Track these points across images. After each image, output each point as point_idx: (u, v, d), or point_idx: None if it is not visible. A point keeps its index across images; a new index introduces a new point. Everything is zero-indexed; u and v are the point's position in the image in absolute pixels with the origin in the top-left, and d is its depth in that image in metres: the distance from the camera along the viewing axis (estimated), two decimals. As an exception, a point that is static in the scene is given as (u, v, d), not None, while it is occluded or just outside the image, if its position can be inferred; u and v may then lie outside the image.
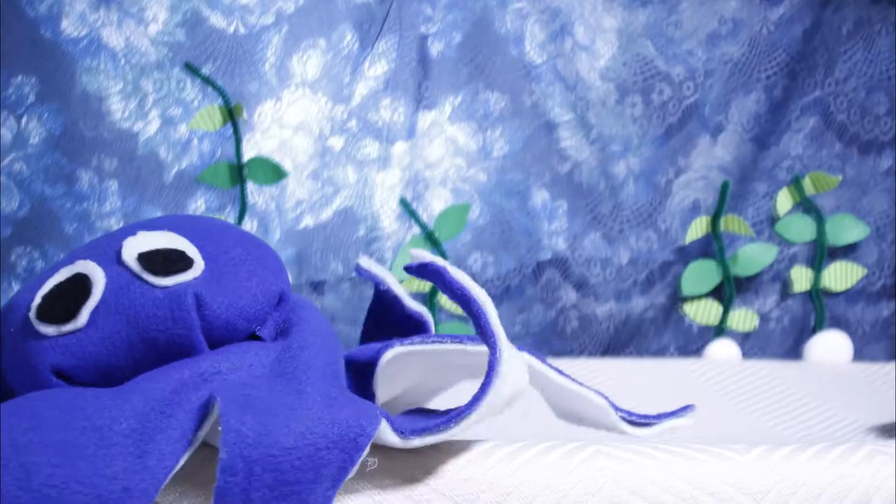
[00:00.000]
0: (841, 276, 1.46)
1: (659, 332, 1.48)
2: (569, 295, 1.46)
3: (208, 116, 1.39)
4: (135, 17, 1.39)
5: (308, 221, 1.42)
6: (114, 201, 1.41)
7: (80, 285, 0.90)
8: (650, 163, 1.45)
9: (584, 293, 1.46)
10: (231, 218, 1.41)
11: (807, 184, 1.43)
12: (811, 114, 1.47)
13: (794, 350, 1.48)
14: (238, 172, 1.40)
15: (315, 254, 1.42)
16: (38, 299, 0.90)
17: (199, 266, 0.89)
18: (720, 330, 1.45)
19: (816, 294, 1.46)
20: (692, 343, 1.48)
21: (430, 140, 1.44)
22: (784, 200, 1.44)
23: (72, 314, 0.89)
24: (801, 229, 1.45)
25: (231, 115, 1.38)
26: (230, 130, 1.41)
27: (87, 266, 0.90)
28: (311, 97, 1.42)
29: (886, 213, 1.49)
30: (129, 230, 0.94)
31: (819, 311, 1.46)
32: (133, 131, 1.40)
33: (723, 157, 1.46)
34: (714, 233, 1.43)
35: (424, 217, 1.43)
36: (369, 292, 1.41)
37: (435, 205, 1.43)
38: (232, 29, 1.40)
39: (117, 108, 1.40)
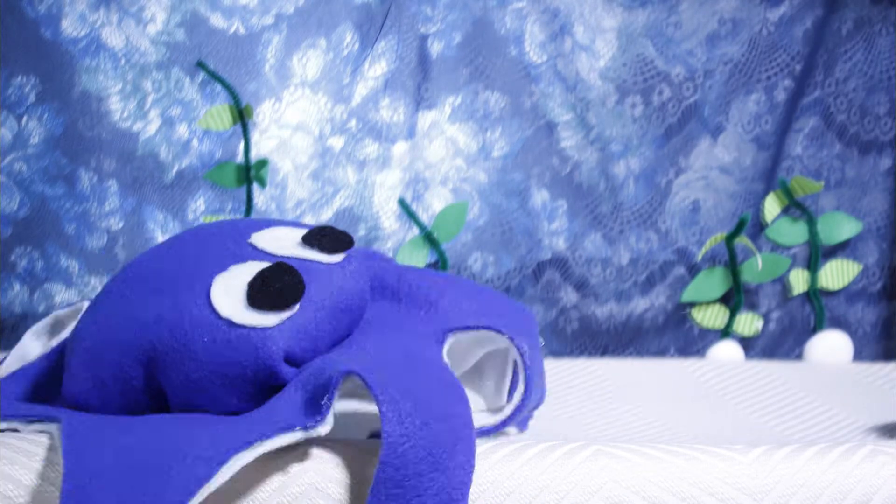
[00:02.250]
0: (837, 274, 1.46)
1: (659, 333, 1.48)
2: (569, 295, 1.46)
3: (218, 116, 1.38)
4: (135, 17, 1.39)
5: (308, 221, 1.42)
6: (113, 201, 1.41)
7: (285, 273, 0.94)
8: (650, 163, 1.45)
9: (585, 294, 1.46)
10: (237, 215, 1.41)
11: (793, 187, 1.43)
12: (811, 114, 1.47)
13: (794, 351, 1.48)
14: (245, 173, 1.39)
15: (315, 254, 1.42)
16: (244, 292, 0.93)
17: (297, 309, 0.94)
18: (725, 333, 1.45)
19: (815, 294, 1.46)
20: (693, 345, 1.48)
21: (430, 140, 1.44)
22: (771, 206, 1.44)
23: (287, 301, 0.93)
24: (792, 232, 1.45)
25: (241, 115, 1.38)
26: (228, 135, 1.41)
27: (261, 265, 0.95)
28: (311, 97, 1.42)
29: (887, 213, 1.49)
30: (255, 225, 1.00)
31: (818, 311, 1.46)
32: (133, 131, 1.40)
33: (723, 158, 1.46)
34: (728, 247, 1.43)
35: (424, 218, 1.43)
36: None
37: (435, 204, 1.43)
38: (232, 29, 1.40)
39: (117, 108, 1.40)
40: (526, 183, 1.44)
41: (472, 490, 0.84)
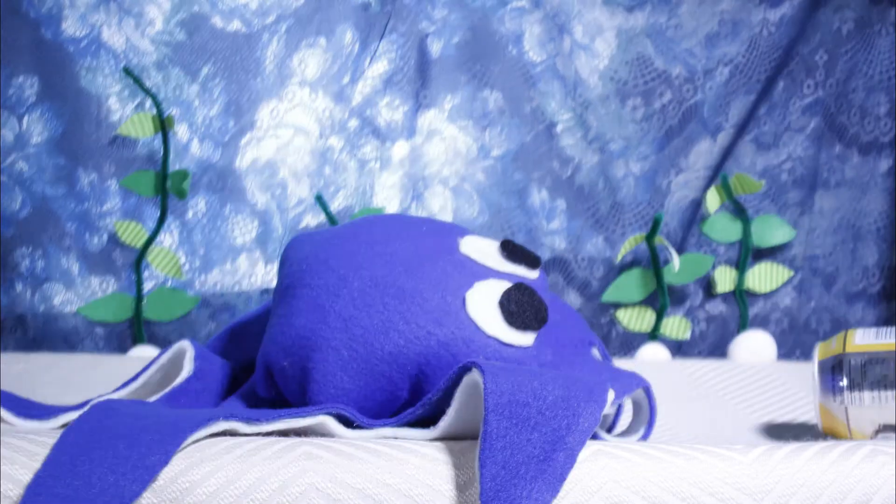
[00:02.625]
0: (766, 277, 1.46)
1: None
2: (569, 296, 1.46)
3: (140, 123, 1.38)
4: (135, 18, 1.39)
5: (309, 221, 1.42)
6: (114, 201, 1.41)
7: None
8: (650, 163, 1.45)
9: (588, 296, 1.46)
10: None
11: (734, 184, 1.43)
12: (811, 114, 1.47)
13: (719, 349, 1.48)
14: (162, 182, 1.39)
15: (315, 254, 1.42)
16: (497, 311, 0.97)
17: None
18: (653, 336, 1.45)
19: (740, 295, 1.46)
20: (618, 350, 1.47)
21: (429, 139, 1.44)
22: (712, 199, 1.44)
23: (542, 322, 0.99)
24: (727, 230, 1.45)
25: (163, 125, 1.38)
26: (228, 136, 1.41)
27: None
28: (311, 97, 1.42)
29: (886, 213, 1.49)
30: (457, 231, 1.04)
31: (743, 311, 1.46)
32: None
33: (722, 158, 1.46)
34: (649, 246, 1.42)
35: (423, 215, 1.43)
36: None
37: (435, 204, 1.43)
38: (232, 29, 1.40)
39: (117, 108, 1.40)
40: (525, 183, 1.44)
41: (471, 491, 0.84)
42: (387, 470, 0.84)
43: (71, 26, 1.39)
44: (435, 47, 1.43)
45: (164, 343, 1.41)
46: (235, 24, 1.40)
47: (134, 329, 1.41)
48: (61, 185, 1.41)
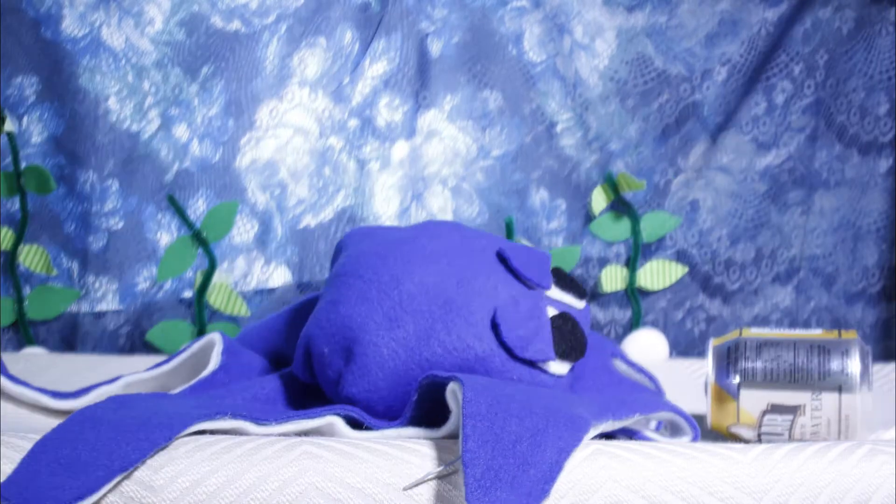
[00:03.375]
0: (659, 274, 1.46)
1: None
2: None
3: None
4: (134, 17, 1.39)
5: (309, 221, 1.42)
6: (114, 201, 1.41)
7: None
8: (649, 163, 1.45)
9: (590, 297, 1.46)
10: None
11: (619, 182, 1.43)
12: (811, 114, 1.47)
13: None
14: (16, 181, 1.39)
15: (316, 253, 1.42)
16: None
17: None
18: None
19: (632, 293, 1.46)
20: None
21: (429, 139, 1.44)
22: (598, 200, 1.44)
23: (580, 355, 1.03)
24: (615, 229, 1.45)
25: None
26: (228, 135, 1.41)
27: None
28: (311, 97, 1.42)
29: (886, 213, 1.49)
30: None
31: (635, 309, 1.46)
32: (133, 131, 1.40)
33: (721, 158, 1.46)
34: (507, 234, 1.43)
35: (423, 215, 1.43)
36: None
37: (434, 204, 1.44)
38: (232, 28, 1.41)
39: (117, 107, 1.40)
40: (525, 183, 1.44)
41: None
42: (386, 469, 0.85)
43: (70, 26, 1.39)
44: (435, 47, 1.43)
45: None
46: (235, 24, 1.40)
47: (21, 332, 1.41)
48: (61, 185, 1.41)
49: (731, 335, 1.04)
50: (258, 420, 0.90)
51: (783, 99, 1.46)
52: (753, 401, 1.01)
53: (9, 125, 1.37)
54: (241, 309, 1.40)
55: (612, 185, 1.43)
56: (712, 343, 1.05)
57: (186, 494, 0.83)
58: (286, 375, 1.05)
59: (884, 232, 1.49)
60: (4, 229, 1.40)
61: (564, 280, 1.05)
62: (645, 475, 0.85)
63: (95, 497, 0.81)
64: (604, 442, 0.88)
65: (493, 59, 1.43)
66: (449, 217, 1.44)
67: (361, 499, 0.84)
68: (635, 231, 1.44)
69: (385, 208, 1.43)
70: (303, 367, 1.02)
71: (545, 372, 0.98)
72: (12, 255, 1.40)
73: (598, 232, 1.45)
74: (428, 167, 1.44)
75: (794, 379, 1.00)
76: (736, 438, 1.00)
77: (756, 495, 0.85)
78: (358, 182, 1.43)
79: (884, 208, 1.49)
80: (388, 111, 1.43)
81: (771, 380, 1.00)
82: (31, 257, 1.40)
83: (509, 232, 1.40)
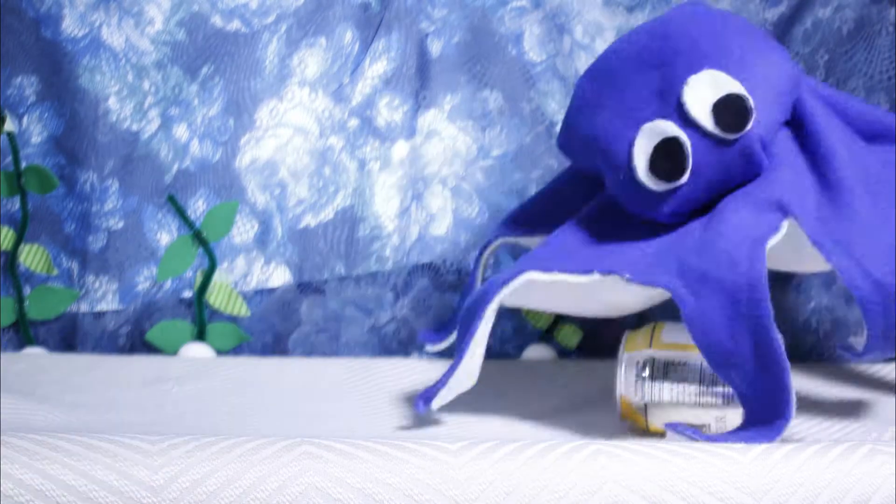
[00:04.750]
0: None
1: None
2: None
3: None
4: (134, 17, 1.39)
5: (309, 221, 1.42)
6: (114, 201, 1.41)
7: (675, 147, 1.05)
8: (650, 163, 1.45)
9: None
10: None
11: None
12: (811, 114, 1.47)
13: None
14: (17, 181, 1.39)
15: (316, 253, 1.42)
16: (644, 160, 1.06)
17: (754, 108, 1.05)
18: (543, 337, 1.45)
19: None
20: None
21: (429, 139, 1.44)
22: None
23: (678, 172, 1.05)
24: None
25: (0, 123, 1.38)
26: (228, 135, 1.41)
27: (670, 128, 1.06)
28: (310, 97, 1.42)
29: (886, 213, 1.48)
30: (678, 72, 1.08)
31: None
32: (133, 130, 1.40)
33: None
34: None
35: (423, 214, 1.43)
36: (370, 292, 1.41)
37: (434, 204, 1.43)
38: (232, 28, 1.41)
39: (117, 107, 1.40)
40: (525, 182, 1.44)
41: (472, 489, 0.84)
42: (387, 469, 0.85)
43: (70, 26, 1.39)
44: (434, 47, 1.43)
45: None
46: (235, 24, 1.40)
47: (21, 332, 1.41)
48: (61, 184, 1.41)
49: (642, 340, 1.04)
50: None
51: (783, 99, 1.46)
52: (661, 417, 1.05)
53: (9, 125, 1.37)
54: (241, 309, 1.40)
55: None
56: (625, 345, 1.05)
57: (186, 494, 0.83)
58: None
59: (884, 232, 1.49)
60: (5, 229, 1.40)
61: (721, 109, 1.06)
62: (645, 476, 0.85)
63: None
64: (604, 442, 0.88)
65: (493, 59, 1.43)
66: (448, 218, 1.43)
67: (362, 499, 0.84)
68: None
69: (385, 208, 1.43)
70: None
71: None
72: (13, 255, 1.40)
73: None
74: (428, 167, 1.44)
75: (700, 404, 1.03)
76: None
77: (756, 495, 0.85)
78: (358, 182, 1.43)
79: (884, 208, 1.48)
80: (388, 111, 1.43)
81: (677, 403, 1.03)
82: (31, 257, 1.40)
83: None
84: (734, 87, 1.05)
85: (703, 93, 1.05)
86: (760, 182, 1.05)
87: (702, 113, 1.05)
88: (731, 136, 1.05)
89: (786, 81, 1.09)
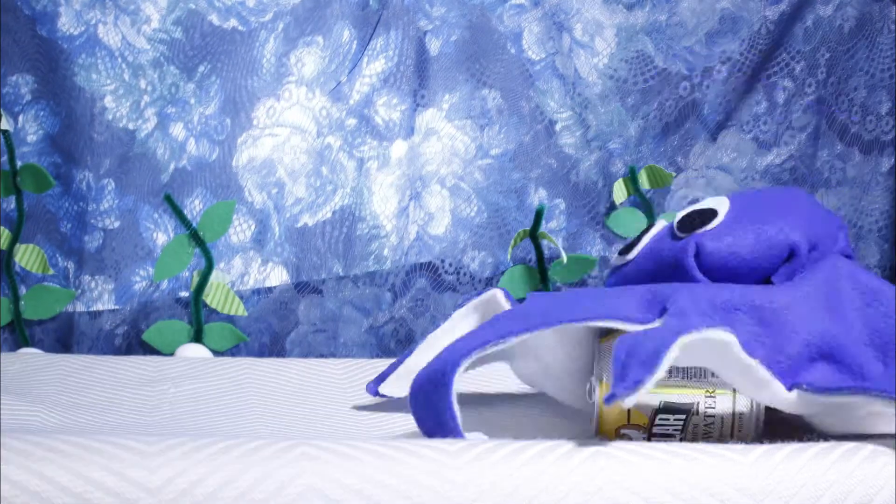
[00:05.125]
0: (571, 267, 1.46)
1: None
2: (567, 295, 1.46)
3: None
4: (131, 15, 1.39)
5: (307, 220, 1.42)
6: (110, 200, 1.40)
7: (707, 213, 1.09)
8: (648, 162, 1.45)
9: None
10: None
11: (642, 177, 1.42)
12: (812, 113, 1.47)
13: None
14: (12, 180, 1.39)
15: (314, 253, 1.42)
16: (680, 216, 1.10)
17: (716, 222, 1.08)
18: None
19: None
20: None
21: (428, 138, 1.43)
22: (619, 193, 1.44)
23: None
24: (631, 223, 1.44)
25: None
26: (225, 134, 1.41)
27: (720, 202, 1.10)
28: (308, 95, 1.42)
29: (887, 213, 1.48)
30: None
31: None
32: (129, 129, 1.40)
33: (721, 157, 1.46)
34: (534, 243, 1.42)
35: (421, 214, 1.43)
36: (368, 292, 1.41)
37: (432, 204, 1.43)
38: (229, 27, 1.40)
39: (113, 106, 1.39)
40: (524, 182, 1.44)
41: (472, 491, 0.84)
42: (386, 470, 0.84)
43: (66, 24, 1.38)
44: (433, 45, 1.43)
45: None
46: (232, 22, 1.40)
47: (17, 332, 1.41)
48: (57, 184, 1.40)
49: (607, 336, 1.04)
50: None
51: (784, 97, 1.46)
52: (645, 400, 0.97)
53: (4, 124, 1.37)
54: (238, 309, 1.40)
55: (633, 179, 1.43)
56: (600, 340, 1.03)
57: (184, 495, 0.83)
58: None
59: (885, 231, 1.49)
60: (0, 229, 1.39)
61: (684, 218, 1.09)
62: (645, 477, 0.85)
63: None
64: (603, 444, 0.87)
65: (492, 58, 1.43)
66: (447, 218, 1.43)
67: (360, 500, 0.83)
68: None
69: (383, 207, 1.42)
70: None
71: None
72: (8, 254, 1.39)
73: (613, 226, 1.44)
74: (426, 166, 1.43)
75: (688, 375, 0.98)
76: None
77: (757, 497, 0.84)
78: (356, 181, 1.43)
79: (885, 207, 1.48)
80: (387, 110, 1.43)
81: (664, 377, 0.94)
82: (27, 257, 1.39)
83: (538, 220, 1.39)
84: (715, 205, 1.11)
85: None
86: None
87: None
88: (680, 234, 1.10)
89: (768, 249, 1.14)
